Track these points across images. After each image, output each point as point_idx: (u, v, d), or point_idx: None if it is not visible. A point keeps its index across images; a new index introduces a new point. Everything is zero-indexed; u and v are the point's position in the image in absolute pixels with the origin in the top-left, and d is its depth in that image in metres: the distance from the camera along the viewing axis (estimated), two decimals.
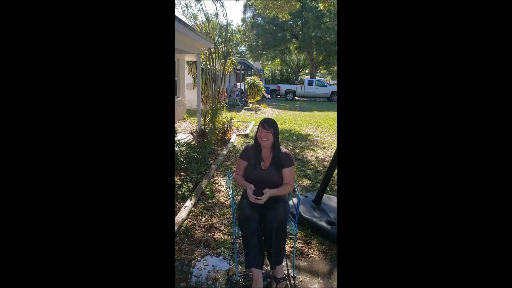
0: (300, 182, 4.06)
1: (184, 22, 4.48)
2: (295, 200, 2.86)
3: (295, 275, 2.15)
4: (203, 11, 7.17)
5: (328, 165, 3.39)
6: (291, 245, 2.44)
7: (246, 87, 14.61)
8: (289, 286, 2.04)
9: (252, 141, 2.27)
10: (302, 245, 2.54)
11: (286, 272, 2.19)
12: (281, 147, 2.17)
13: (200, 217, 2.97)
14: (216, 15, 6.44)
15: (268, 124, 2.09)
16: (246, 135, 7.23)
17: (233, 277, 2.11)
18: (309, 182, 4.07)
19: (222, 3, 6.26)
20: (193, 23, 6.37)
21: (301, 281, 2.10)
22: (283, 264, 2.26)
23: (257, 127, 2.17)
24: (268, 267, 2.11)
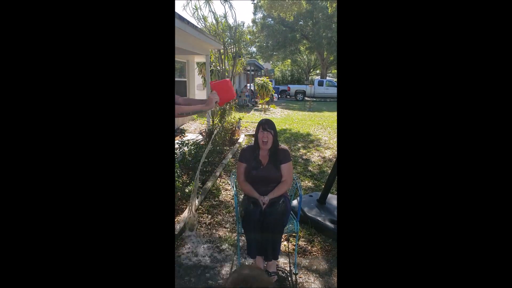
0: (306, 181, 4.09)
1: (193, 24, 4.57)
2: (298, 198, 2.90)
3: (297, 272, 2.19)
4: (212, 12, 7.29)
5: (333, 165, 3.41)
6: (294, 243, 2.48)
7: (255, 88, 14.69)
8: (289, 281, 2.09)
9: None
10: (305, 243, 2.58)
11: (287, 269, 2.23)
12: (279, 143, 2.23)
13: (206, 215, 3.05)
14: (225, 16, 6.51)
15: (268, 125, 2.15)
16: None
17: None
18: (315, 182, 4.09)
19: (230, 3, 6.31)
20: (202, 25, 6.47)
21: (301, 277, 2.14)
22: (283, 261, 2.31)
23: (256, 127, 2.23)
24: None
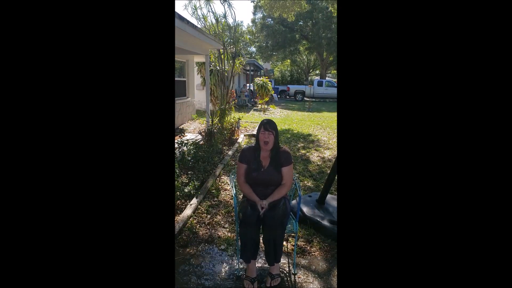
0: (305, 182, 4.09)
1: (193, 24, 4.57)
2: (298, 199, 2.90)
3: (295, 272, 2.19)
4: (212, 12, 7.31)
5: (332, 165, 3.41)
6: (293, 243, 2.48)
7: (255, 88, 14.70)
8: (288, 281, 2.09)
9: None
10: (304, 243, 2.58)
11: (286, 269, 2.23)
12: (280, 145, 2.22)
13: (205, 215, 3.05)
14: (225, 16, 6.51)
15: (270, 125, 2.12)
16: (254, 135, 7.28)
17: (235, 272, 2.17)
18: (314, 182, 4.09)
19: (230, 3, 6.31)
20: (202, 25, 6.47)
21: (300, 278, 2.14)
22: (282, 261, 2.30)
23: (257, 128, 2.21)
24: (266, 264, 2.16)
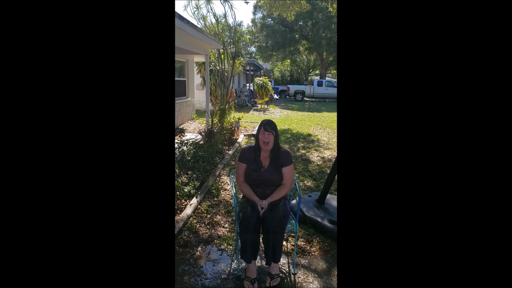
0: (305, 182, 4.09)
1: (193, 24, 4.57)
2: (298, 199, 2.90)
3: (295, 272, 2.19)
4: (212, 12, 7.35)
5: (332, 165, 3.41)
6: (293, 243, 2.48)
7: (255, 87, 14.71)
8: (288, 281, 2.09)
9: None
10: (304, 243, 2.58)
11: (286, 269, 2.24)
12: (280, 145, 2.21)
13: (205, 214, 3.05)
14: (225, 16, 6.52)
15: (269, 126, 2.11)
16: (254, 135, 7.27)
17: (235, 272, 2.17)
18: (314, 182, 4.09)
19: (230, 4, 6.32)
20: (202, 25, 6.47)
21: (300, 277, 2.14)
22: (282, 261, 2.31)
23: (257, 128, 2.21)
24: (264, 263, 2.16)
